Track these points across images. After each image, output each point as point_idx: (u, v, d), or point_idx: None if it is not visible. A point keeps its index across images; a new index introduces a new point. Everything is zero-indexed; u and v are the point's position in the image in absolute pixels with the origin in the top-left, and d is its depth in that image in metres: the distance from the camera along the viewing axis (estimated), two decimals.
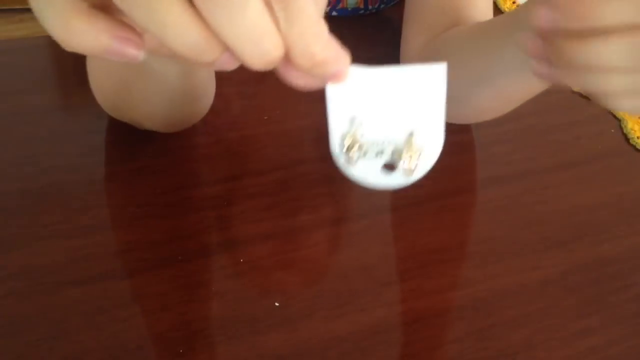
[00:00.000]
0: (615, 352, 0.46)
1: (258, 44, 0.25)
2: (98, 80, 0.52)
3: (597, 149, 0.64)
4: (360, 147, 0.32)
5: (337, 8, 0.72)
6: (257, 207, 0.53)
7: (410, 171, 0.33)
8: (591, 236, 0.54)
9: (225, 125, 0.61)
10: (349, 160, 0.33)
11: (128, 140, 0.57)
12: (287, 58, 0.27)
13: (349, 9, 0.72)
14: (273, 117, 0.62)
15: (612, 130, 0.66)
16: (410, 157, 0.33)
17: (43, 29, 0.26)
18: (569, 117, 0.67)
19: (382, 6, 0.74)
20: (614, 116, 0.67)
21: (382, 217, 0.55)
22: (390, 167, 0.33)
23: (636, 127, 0.65)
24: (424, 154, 0.33)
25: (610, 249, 0.54)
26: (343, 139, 0.32)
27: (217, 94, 0.57)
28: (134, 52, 0.26)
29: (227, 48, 0.25)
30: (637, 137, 0.64)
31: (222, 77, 0.56)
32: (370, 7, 0.73)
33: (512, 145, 0.63)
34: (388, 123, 0.33)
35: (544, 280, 0.50)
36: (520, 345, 0.46)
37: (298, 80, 0.29)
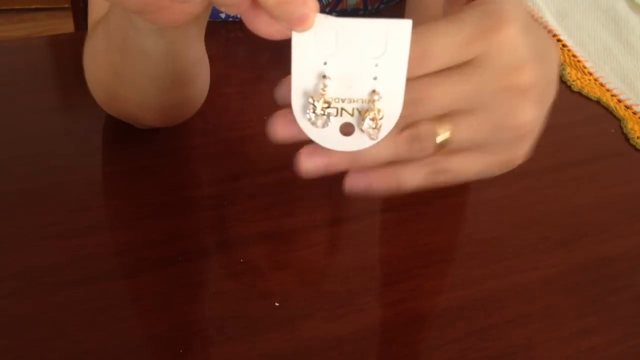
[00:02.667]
0: (615, 352, 0.46)
1: None
2: (93, 71, 0.52)
3: (597, 149, 0.64)
4: (322, 102, 0.31)
5: (337, 9, 0.72)
6: (257, 207, 0.53)
7: (373, 132, 0.32)
8: (591, 236, 0.54)
9: (225, 125, 0.61)
10: (309, 116, 0.31)
11: (128, 140, 0.57)
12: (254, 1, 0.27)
13: (349, 10, 0.72)
14: None
15: (612, 130, 0.65)
16: (373, 118, 0.31)
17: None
18: (569, 117, 0.67)
19: (382, 6, 0.74)
20: (614, 116, 0.67)
21: (382, 217, 0.55)
22: (349, 128, 0.32)
23: (636, 127, 0.65)
24: (385, 115, 0.32)
25: (610, 249, 0.54)
26: (304, 92, 0.31)
27: (217, 94, 0.57)
28: None
29: None
30: (637, 137, 0.64)
31: (222, 77, 0.56)
32: (369, 7, 0.73)
33: None
34: (351, 79, 0.31)
35: (544, 280, 0.50)
36: (520, 345, 0.46)
37: (265, 27, 0.29)
